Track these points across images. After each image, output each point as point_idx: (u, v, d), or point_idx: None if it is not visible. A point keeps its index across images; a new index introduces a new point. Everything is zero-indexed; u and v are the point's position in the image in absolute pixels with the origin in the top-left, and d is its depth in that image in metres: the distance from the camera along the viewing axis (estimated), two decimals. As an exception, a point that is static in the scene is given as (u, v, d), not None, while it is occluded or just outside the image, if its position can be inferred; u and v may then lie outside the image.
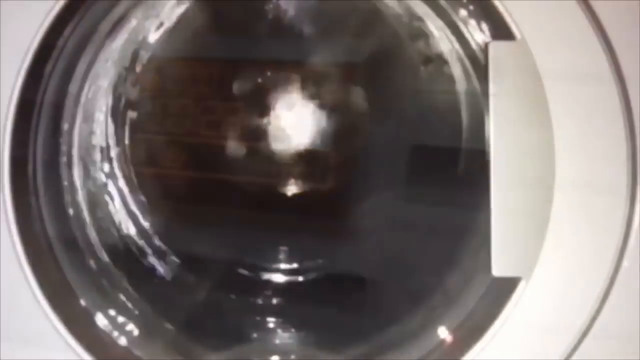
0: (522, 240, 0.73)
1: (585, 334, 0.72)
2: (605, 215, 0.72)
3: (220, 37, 1.09)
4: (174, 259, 1.05)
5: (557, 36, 0.72)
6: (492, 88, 0.74)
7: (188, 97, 1.11)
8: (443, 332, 0.82)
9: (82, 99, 0.92)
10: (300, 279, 1.10)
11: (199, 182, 1.12)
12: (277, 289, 1.09)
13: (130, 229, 1.05)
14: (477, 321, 0.77)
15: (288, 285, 1.09)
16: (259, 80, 1.10)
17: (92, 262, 0.92)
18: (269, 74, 1.09)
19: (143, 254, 1.04)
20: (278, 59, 1.08)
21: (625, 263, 0.72)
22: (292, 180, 1.13)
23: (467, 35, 0.83)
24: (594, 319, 0.72)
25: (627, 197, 0.71)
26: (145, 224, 1.07)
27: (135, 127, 1.07)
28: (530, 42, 0.73)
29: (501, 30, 0.74)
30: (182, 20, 1.04)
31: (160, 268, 1.04)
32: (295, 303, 1.06)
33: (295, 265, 1.11)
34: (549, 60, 0.72)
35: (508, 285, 0.74)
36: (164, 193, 1.11)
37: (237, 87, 1.10)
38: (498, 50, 0.74)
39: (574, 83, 0.72)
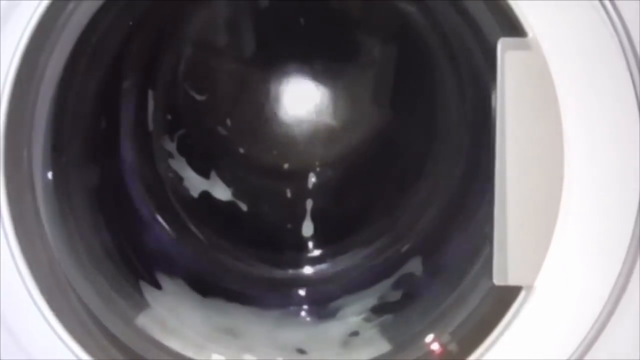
0: (524, 249, 0.70)
1: (587, 350, 0.68)
2: (613, 224, 0.68)
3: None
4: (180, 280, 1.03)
5: (570, 33, 0.68)
6: (499, 86, 0.70)
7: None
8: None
9: None
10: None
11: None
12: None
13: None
14: (474, 330, 0.75)
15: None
16: (278, 83, 1.08)
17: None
18: (288, 77, 1.08)
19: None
20: (297, 61, 1.07)
21: (634, 275, 0.68)
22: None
23: (479, 31, 0.80)
24: (597, 334, 0.68)
25: (637, 207, 0.67)
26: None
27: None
28: (541, 39, 0.69)
29: (513, 27, 0.70)
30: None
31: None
32: None
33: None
34: (561, 59, 0.68)
35: (509, 294, 0.70)
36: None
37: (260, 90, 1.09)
38: (508, 47, 0.70)
39: (587, 83, 0.68)
